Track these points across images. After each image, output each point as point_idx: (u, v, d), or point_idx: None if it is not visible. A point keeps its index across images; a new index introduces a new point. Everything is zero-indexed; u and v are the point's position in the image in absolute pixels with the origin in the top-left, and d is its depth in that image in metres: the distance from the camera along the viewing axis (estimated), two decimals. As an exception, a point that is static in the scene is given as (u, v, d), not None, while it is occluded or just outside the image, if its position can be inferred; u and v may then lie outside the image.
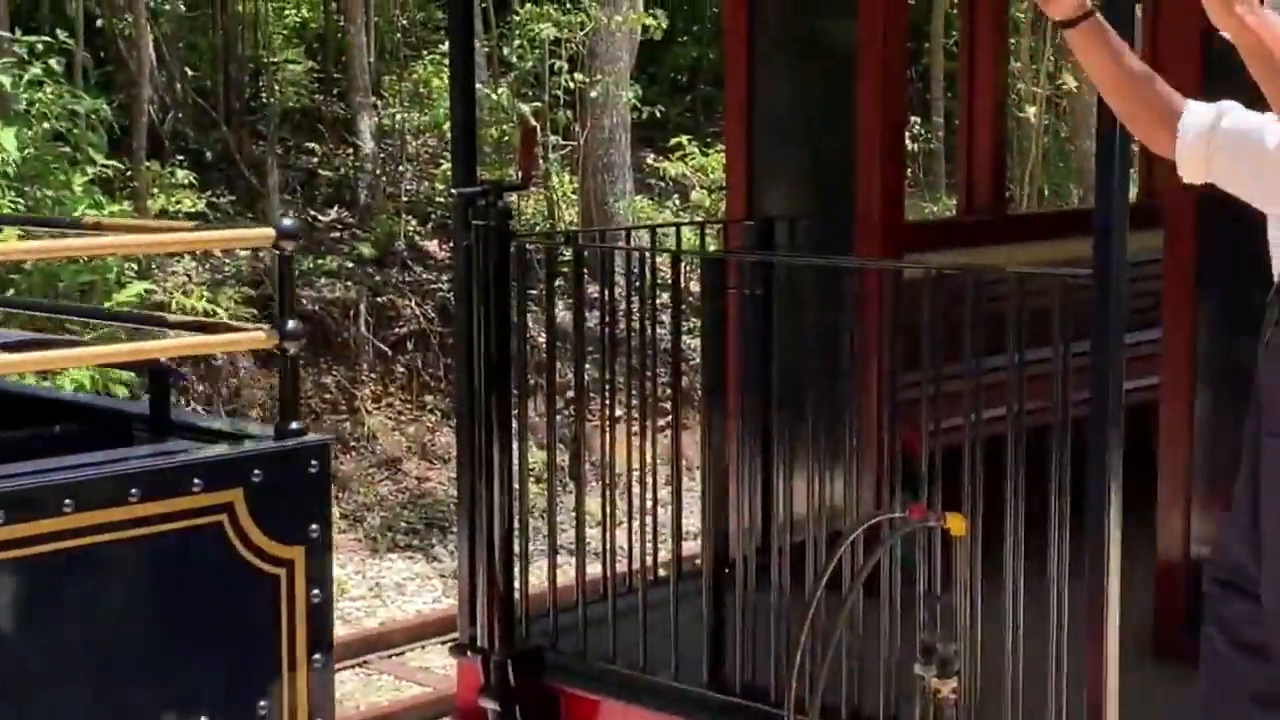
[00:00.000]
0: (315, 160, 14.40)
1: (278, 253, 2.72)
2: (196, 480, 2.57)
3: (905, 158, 6.45)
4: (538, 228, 13.17)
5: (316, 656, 2.71)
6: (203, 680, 2.60)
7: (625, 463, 5.11)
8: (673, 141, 15.31)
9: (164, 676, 2.57)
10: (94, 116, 9.90)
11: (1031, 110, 16.95)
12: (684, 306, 5.50)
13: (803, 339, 4.63)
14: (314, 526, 2.71)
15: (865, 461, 4.64)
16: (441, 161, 14.64)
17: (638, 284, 5.04)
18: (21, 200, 8.67)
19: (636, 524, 5.12)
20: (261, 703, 2.66)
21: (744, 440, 4.80)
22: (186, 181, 11.98)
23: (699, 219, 12.36)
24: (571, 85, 13.77)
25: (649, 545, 5.17)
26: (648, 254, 5.12)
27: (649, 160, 16.06)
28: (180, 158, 13.08)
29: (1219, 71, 4.11)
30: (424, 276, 13.18)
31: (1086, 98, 16.64)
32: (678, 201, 15.53)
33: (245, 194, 13.00)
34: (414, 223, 13.61)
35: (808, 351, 4.58)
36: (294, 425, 2.71)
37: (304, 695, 2.69)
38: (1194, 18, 4.22)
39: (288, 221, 2.75)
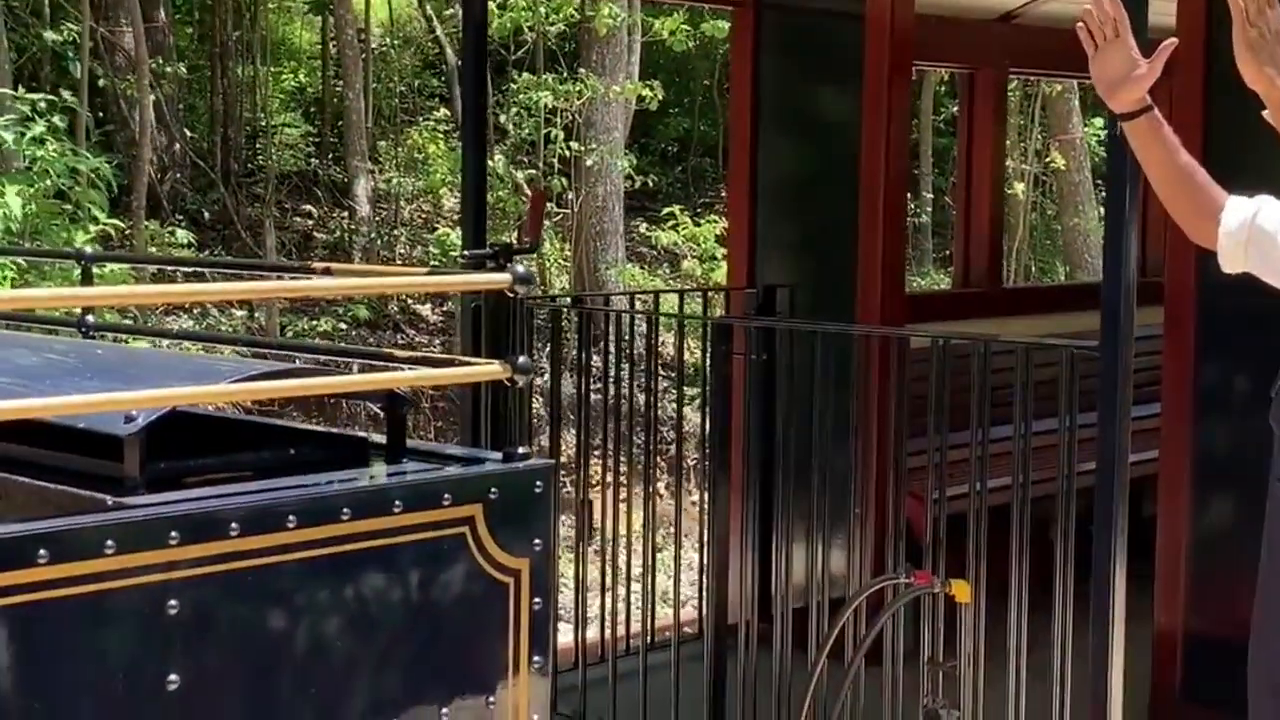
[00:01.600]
0: (311, 223, 14.48)
1: (512, 295, 3.04)
2: (446, 495, 2.85)
3: (906, 229, 6.53)
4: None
5: (537, 659, 2.96)
6: (444, 674, 2.85)
7: (625, 527, 5.15)
8: (665, 211, 15.44)
9: (413, 669, 2.84)
10: (95, 175, 9.95)
11: (1020, 187, 17.13)
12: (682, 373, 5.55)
13: (806, 405, 4.68)
14: (538, 541, 2.96)
15: (867, 528, 4.68)
16: (436, 226, 14.73)
17: (642, 348, 5.09)
18: (23, 257, 8.71)
19: (637, 588, 5.15)
20: (490, 698, 2.90)
21: (746, 505, 4.83)
22: (185, 241, 12.04)
23: (692, 287, 12.43)
24: (566, 153, 13.88)
25: (649, 609, 5.20)
26: (655, 318, 5.18)
27: (641, 229, 16.19)
28: (179, 218, 13.15)
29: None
30: (417, 339, 13.23)
31: (1074, 176, 16.82)
32: (668, 270, 15.64)
33: (242, 255, 13.05)
34: (407, 286, 13.64)
35: (810, 418, 4.63)
36: (521, 450, 3.00)
37: (525, 693, 2.93)
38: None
39: (521, 268, 3.07)
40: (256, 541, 2.65)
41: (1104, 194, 5.91)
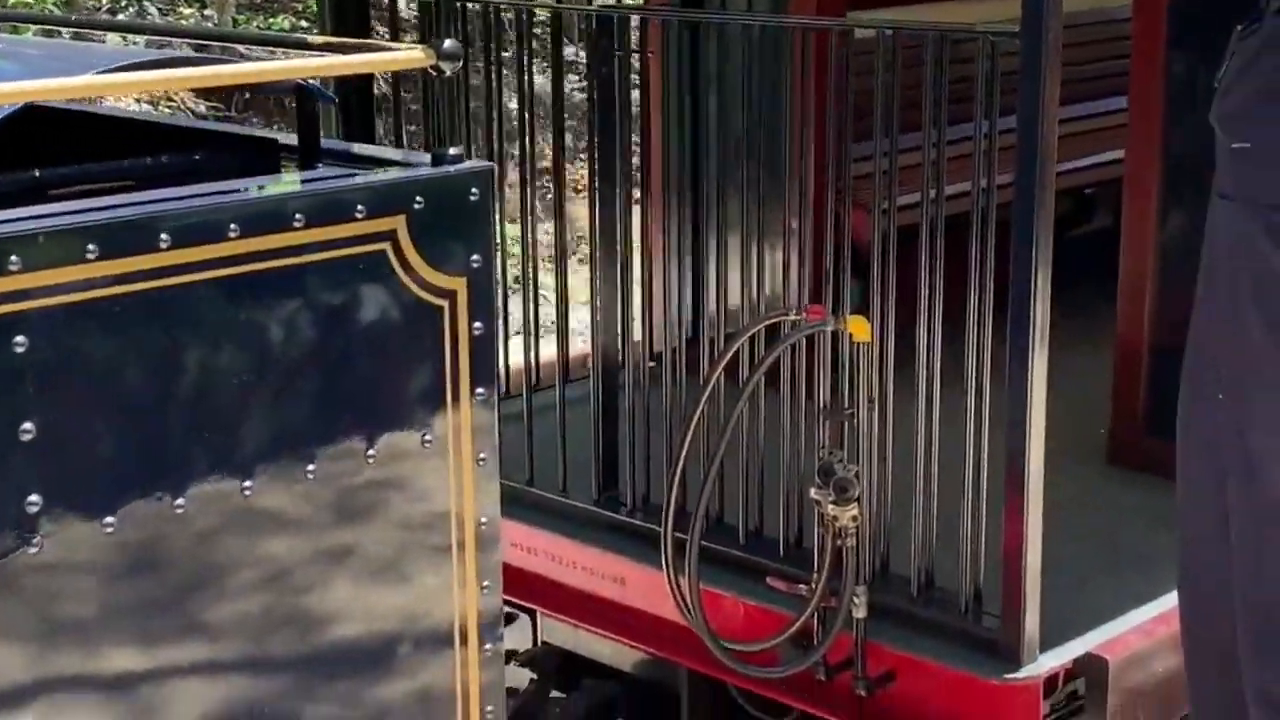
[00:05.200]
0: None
1: None
2: (359, 207, 2.50)
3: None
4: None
5: (480, 390, 2.65)
6: (368, 411, 2.57)
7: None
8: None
9: (327, 405, 2.54)
10: None
11: None
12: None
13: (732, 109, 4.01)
14: (475, 257, 2.64)
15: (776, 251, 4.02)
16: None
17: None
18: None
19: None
20: (426, 435, 2.60)
21: (668, 224, 4.16)
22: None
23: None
24: None
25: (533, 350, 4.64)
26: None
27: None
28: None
29: None
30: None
31: None
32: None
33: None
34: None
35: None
36: (452, 151, 2.63)
37: (467, 428, 2.65)
38: None
39: None
40: (122, 265, 2.29)
41: None
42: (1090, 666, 3.55)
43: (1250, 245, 2.51)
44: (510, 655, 4.49)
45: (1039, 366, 3.33)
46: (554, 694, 4.38)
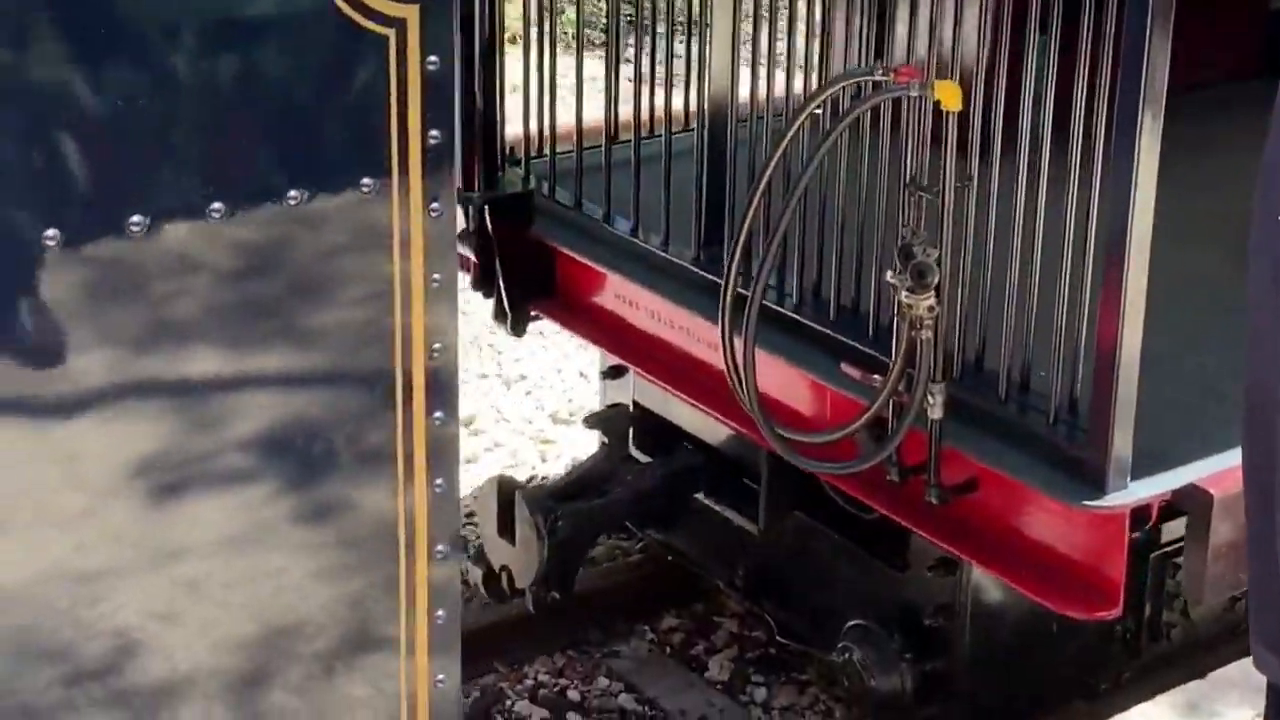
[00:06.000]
0: None
1: None
2: None
3: None
4: None
5: (434, 132, 2.40)
6: (294, 150, 2.35)
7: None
8: None
9: (245, 138, 2.32)
10: None
11: None
12: None
13: None
14: None
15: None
16: None
17: None
18: None
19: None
20: (365, 180, 2.37)
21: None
22: None
23: None
24: None
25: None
26: None
27: None
28: None
29: None
30: None
31: None
32: None
33: None
34: None
35: None
36: None
37: (417, 172, 2.41)
38: None
39: None
40: None
41: None
42: (1193, 500, 3.12)
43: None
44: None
45: (1148, 137, 2.82)
46: (635, 455, 4.13)
